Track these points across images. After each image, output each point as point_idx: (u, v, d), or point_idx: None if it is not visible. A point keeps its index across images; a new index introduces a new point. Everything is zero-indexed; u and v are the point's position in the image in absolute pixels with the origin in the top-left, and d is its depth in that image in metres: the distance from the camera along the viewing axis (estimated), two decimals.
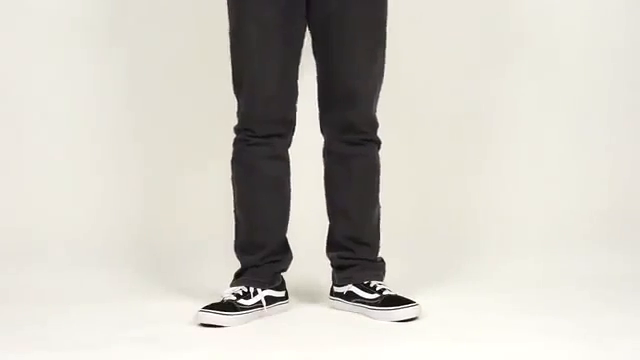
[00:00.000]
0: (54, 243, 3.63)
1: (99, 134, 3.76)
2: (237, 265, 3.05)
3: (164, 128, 3.76)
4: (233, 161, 3.03)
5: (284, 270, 3.07)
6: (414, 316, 2.90)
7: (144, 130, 3.76)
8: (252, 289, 2.96)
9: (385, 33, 3.02)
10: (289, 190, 3.06)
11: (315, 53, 3.03)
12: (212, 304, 2.90)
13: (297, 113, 3.02)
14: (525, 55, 3.81)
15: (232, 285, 3.01)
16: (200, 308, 2.88)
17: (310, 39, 3.02)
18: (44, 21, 3.74)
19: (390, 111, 3.23)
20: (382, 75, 3.04)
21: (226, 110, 3.13)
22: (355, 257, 3.06)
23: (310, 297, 3.18)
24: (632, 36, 3.84)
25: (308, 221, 3.30)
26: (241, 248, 3.05)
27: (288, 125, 3.01)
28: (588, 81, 3.84)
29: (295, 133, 3.03)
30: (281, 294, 3.03)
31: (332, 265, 3.12)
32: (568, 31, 3.82)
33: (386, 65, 3.04)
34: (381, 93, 3.05)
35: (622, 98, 3.85)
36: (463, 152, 3.81)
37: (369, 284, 3.01)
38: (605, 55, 3.84)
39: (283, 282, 3.06)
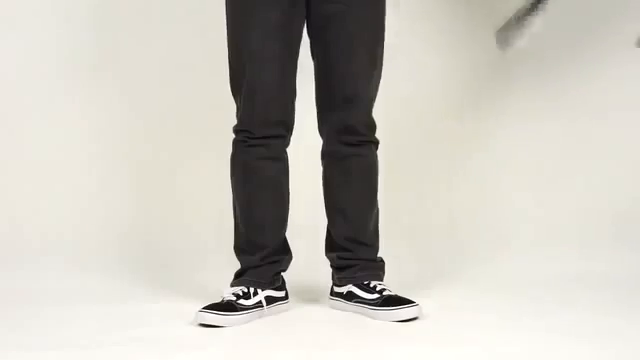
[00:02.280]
0: (53, 244, 3.63)
1: (98, 134, 3.76)
2: (237, 265, 3.05)
3: (163, 128, 3.76)
4: (232, 162, 3.03)
5: (284, 270, 3.07)
6: (414, 316, 2.90)
7: (143, 130, 3.76)
8: (252, 289, 2.96)
9: (384, 34, 3.01)
10: (288, 190, 3.06)
11: (314, 54, 3.02)
12: (212, 304, 2.90)
13: (295, 113, 3.02)
14: (526, 54, 3.80)
15: (232, 285, 3.01)
16: (200, 308, 2.88)
17: (308, 39, 3.02)
18: (41, 21, 3.74)
19: (389, 111, 3.23)
20: (380, 76, 3.03)
21: (226, 110, 3.13)
22: (354, 257, 3.06)
23: (310, 297, 3.17)
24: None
25: (308, 221, 3.30)
26: (241, 248, 3.04)
27: (287, 126, 3.00)
28: (589, 80, 3.83)
29: (294, 133, 3.03)
30: (281, 294, 3.03)
31: (332, 265, 3.12)
32: (569, 30, 3.82)
33: (385, 65, 3.04)
34: (381, 93, 3.05)
35: (622, 98, 3.85)
36: (463, 152, 3.81)
37: (369, 284, 3.01)
38: (605, 54, 3.84)
39: (283, 282, 3.06)
